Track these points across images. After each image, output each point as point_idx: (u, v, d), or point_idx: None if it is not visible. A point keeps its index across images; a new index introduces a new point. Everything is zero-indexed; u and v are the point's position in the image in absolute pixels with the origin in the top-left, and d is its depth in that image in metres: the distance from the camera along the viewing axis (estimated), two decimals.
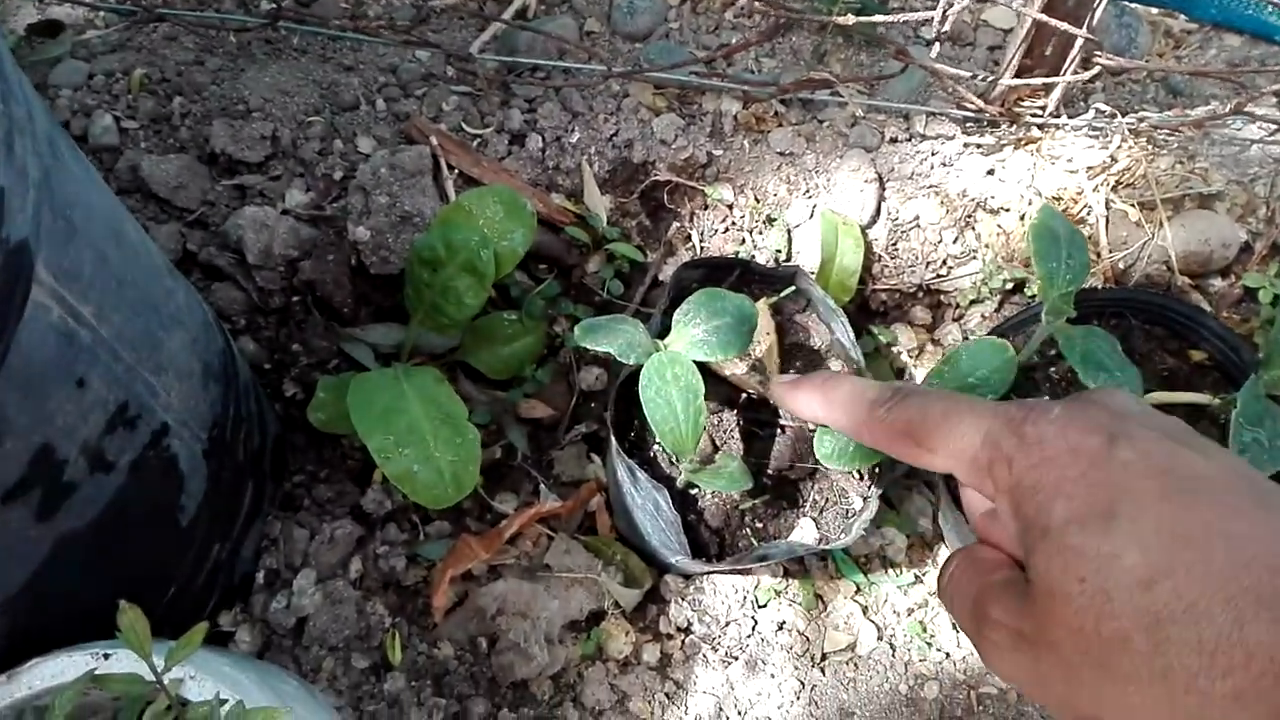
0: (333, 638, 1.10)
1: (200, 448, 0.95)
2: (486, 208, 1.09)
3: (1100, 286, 1.15)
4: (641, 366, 0.88)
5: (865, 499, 1.02)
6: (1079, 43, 1.13)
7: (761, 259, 1.23)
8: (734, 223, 1.25)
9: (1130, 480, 0.33)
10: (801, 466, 1.04)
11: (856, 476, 1.04)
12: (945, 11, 0.96)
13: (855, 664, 1.15)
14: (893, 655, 1.16)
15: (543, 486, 1.23)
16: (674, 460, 0.98)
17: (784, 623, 1.17)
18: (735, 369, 1.06)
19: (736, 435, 1.06)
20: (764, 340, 1.07)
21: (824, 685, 1.14)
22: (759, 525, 1.02)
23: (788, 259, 1.24)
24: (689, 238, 1.25)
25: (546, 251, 1.24)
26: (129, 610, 0.59)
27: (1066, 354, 0.85)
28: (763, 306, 1.08)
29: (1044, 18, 1.06)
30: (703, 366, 1.08)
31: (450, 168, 1.23)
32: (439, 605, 1.12)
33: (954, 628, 1.17)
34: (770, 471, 1.04)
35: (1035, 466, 0.36)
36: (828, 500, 1.03)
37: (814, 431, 1.06)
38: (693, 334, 0.90)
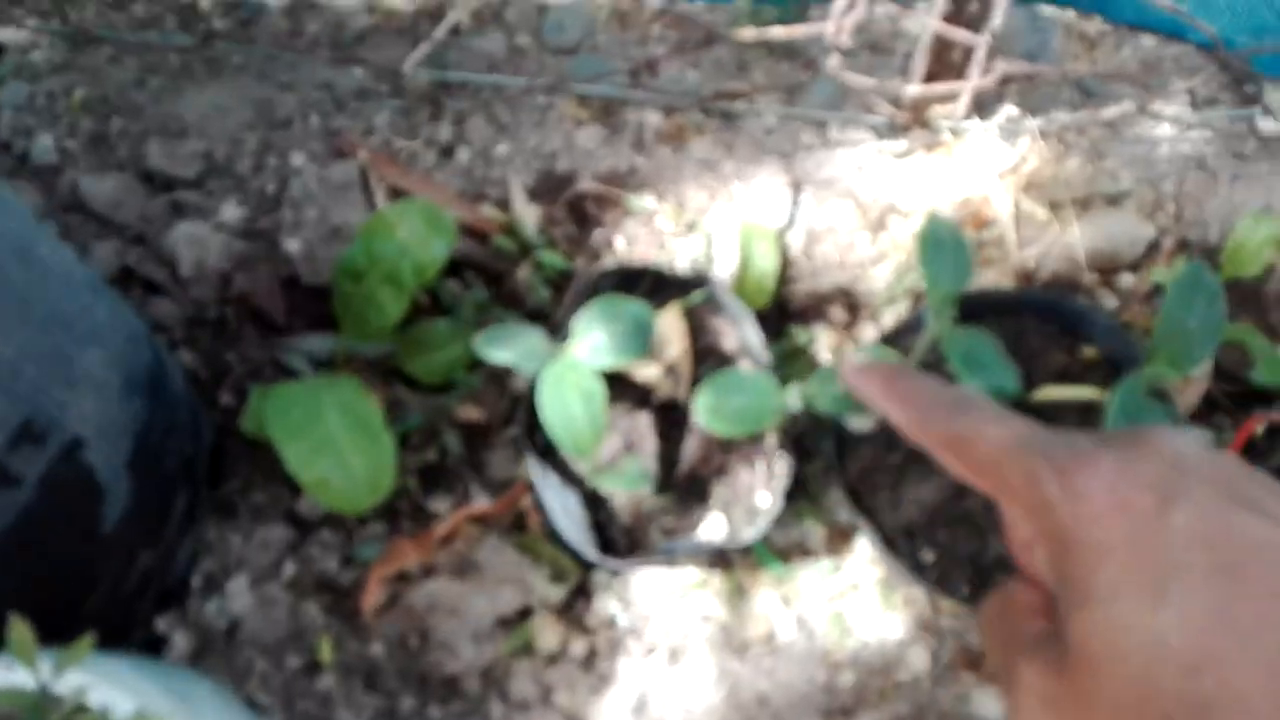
0: (265, 639, 1.14)
1: (122, 459, 0.99)
2: (407, 220, 1.13)
3: (996, 287, 1.18)
4: None
5: (772, 496, 1.05)
6: (982, 50, 1.17)
7: (684, 264, 1.27)
8: (657, 230, 1.29)
9: (1182, 551, 0.32)
10: (711, 464, 1.08)
11: (764, 474, 1.07)
12: (840, 23, 1.00)
13: (774, 653, 1.19)
14: (811, 644, 1.20)
15: (473, 488, 1.26)
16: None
17: (707, 614, 1.20)
18: (648, 373, 1.10)
19: (650, 437, 1.10)
20: (677, 344, 1.11)
21: (743, 674, 1.18)
22: (669, 523, 1.06)
23: (709, 264, 1.28)
24: (613, 245, 1.29)
25: (476, 260, 1.27)
26: (17, 624, 0.63)
27: (948, 354, 0.89)
28: (674, 311, 1.12)
29: (941, 26, 1.10)
30: (615, 371, 1.12)
31: (380, 181, 1.27)
32: (368, 606, 1.16)
33: (870, 616, 1.20)
34: (681, 471, 1.08)
35: (1079, 522, 0.34)
36: (736, 498, 1.07)
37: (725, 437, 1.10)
38: (591, 341, 0.94)
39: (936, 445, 0.43)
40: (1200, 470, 0.34)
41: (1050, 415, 0.94)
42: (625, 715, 1.15)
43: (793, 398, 0.95)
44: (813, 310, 1.32)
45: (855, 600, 1.22)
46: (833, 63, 1.08)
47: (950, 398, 0.44)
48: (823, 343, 1.32)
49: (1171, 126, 1.34)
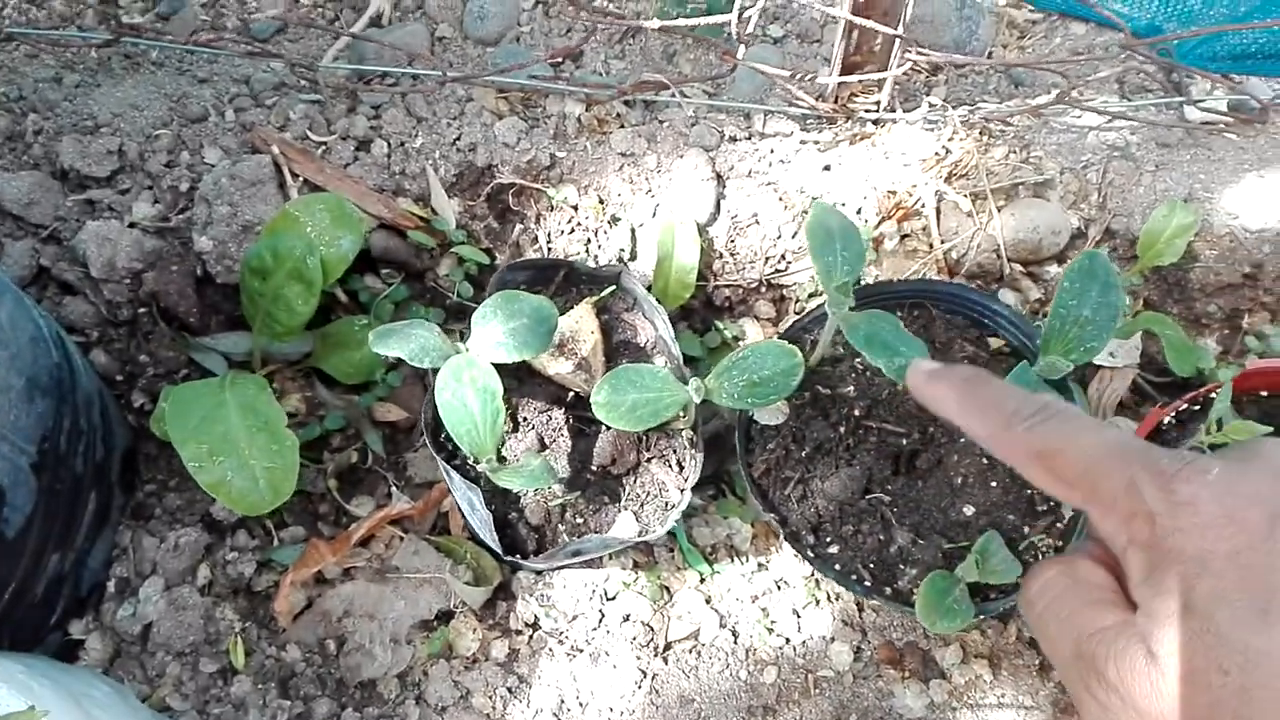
0: (178, 643, 1.12)
1: (27, 461, 0.97)
2: (314, 215, 1.11)
3: (902, 279, 1.17)
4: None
5: (683, 491, 1.04)
6: (897, 39, 1.16)
7: (606, 258, 1.26)
8: (579, 223, 1.27)
9: None
10: (625, 462, 1.06)
11: (676, 470, 1.06)
12: (742, 15, 0.98)
13: (698, 652, 1.18)
14: (734, 642, 1.18)
15: (394, 489, 1.25)
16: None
17: (630, 615, 1.19)
18: (560, 368, 1.08)
19: (565, 433, 1.09)
20: (588, 339, 1.10)
21: (665, 674, 1.16)
22: (579, 521, 1.04)
23: (632, 258, 1.26)
24: (536, 239, 1.27)
25: (393, 256, 1.25)
26: None
27: (850, 339, 0.87)
28: (586, 307, 1.10)
29: (852, 18, 1.09)
30: (527, 366, 1.10)
31: (295, 176, 1.24)
32: (282, 609, 1.14)
33: (795, 613, 1.19)
34: (594, 467, 1.07)
35: (1182, 532, 0.33)
36: (648, 494, 1.06)
37: (642, 435, 1.08)
38: (490, 336, 0.92)
39: (1023, 456, 0.40)
40: None
41: None
42: (545, 717, 1.13)
43: (695, 392, 0.93)
44: (739, 304, 1.31)
45: (780, 598, 1.21)
46: (741, 53, 1.06)
47: (1036, 405, 0.41)
48: (750, 336, 1.30)
49: (1099, 116, 1.33)
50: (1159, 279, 1.27)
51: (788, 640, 1.19)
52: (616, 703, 1.15)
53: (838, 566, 0.98)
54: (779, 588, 1.21)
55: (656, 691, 1.16)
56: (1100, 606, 0.37)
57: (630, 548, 1.23)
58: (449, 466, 0.97)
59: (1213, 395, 1.05)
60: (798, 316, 1.06)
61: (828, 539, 1.00)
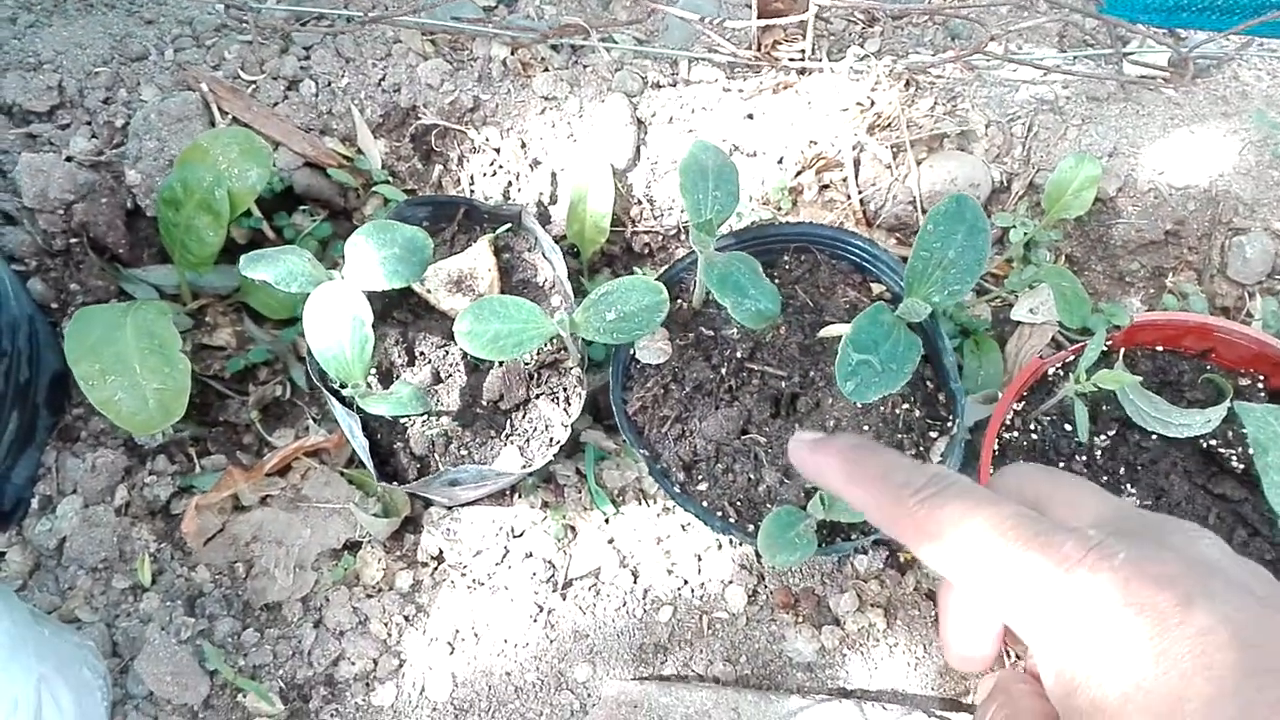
0: (90, 559, 1.17)
1: None
2: (223, 148, 1.13)
3: (786, 222, 1.16)
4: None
5: (566, 427, 1.05)
6: None
7: (526, 201, 1.27)
8: (502, 166, 1.28)
9: (1208, 655, 0.28)
10: (514, 397, 1.08)
11: (564, 406, 1.07)
12: None
13: (597, 590, 1.20)
14: (634, 582, 1.20)
15: (313, 422, 1.28)
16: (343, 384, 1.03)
17: (532, 552, 1.21)
18: (456, 304, 1.10)
19: (461, 369, 1.11)
20: (486, 276, 1.11)
21: (562, 609, 1.18)
22: (463, 453, 1.06)
23: (553, 202, 1.27)
24: (459, 181, 1.29)
25: (317, 194, 1.28)
26: None
27: (704, 277, 0.88)
28: (484, 244, 1.12)
29: None
30: (424, 302, 1.12)
31: (223, 113, 1.27)
32: (189, 531, 1.18)
33: (697, 556, 1.20)
34: (484, 402, 1.09)
35: (1091, 622, 0.30)
36: (534, 429, 1.07)
37: (534, 371, 1.10)
38: (362, 264, 0.94)
39: (914, 535, 0.36)
40: (1226, 571, 0.31)
41: (834, 351, 0.93)
42: (439, 645, 1.16)
43: (560, 325, 0.94)
44: (659, 250, 1.31)
45: (683, 540, 1.22)
46: None
47: (926, 477, 0.37)
48: None
49: (1034, 70, 1.30)
50: (1082, 234, 1.25)
51: (686, 582, 1.20)
52: (511, 634, 1.17)
53: (704, 504, 0.99)
54: (684, 530, 1.22)
55: (552, 626, 1.18)
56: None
57: (540, 486, 1.25)
58: (330, 393, 0.99)
59: (1103, 349, 1.03)
60: (679, 258, 1.06)
61: (699, 477, 1.01)
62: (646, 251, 1.31)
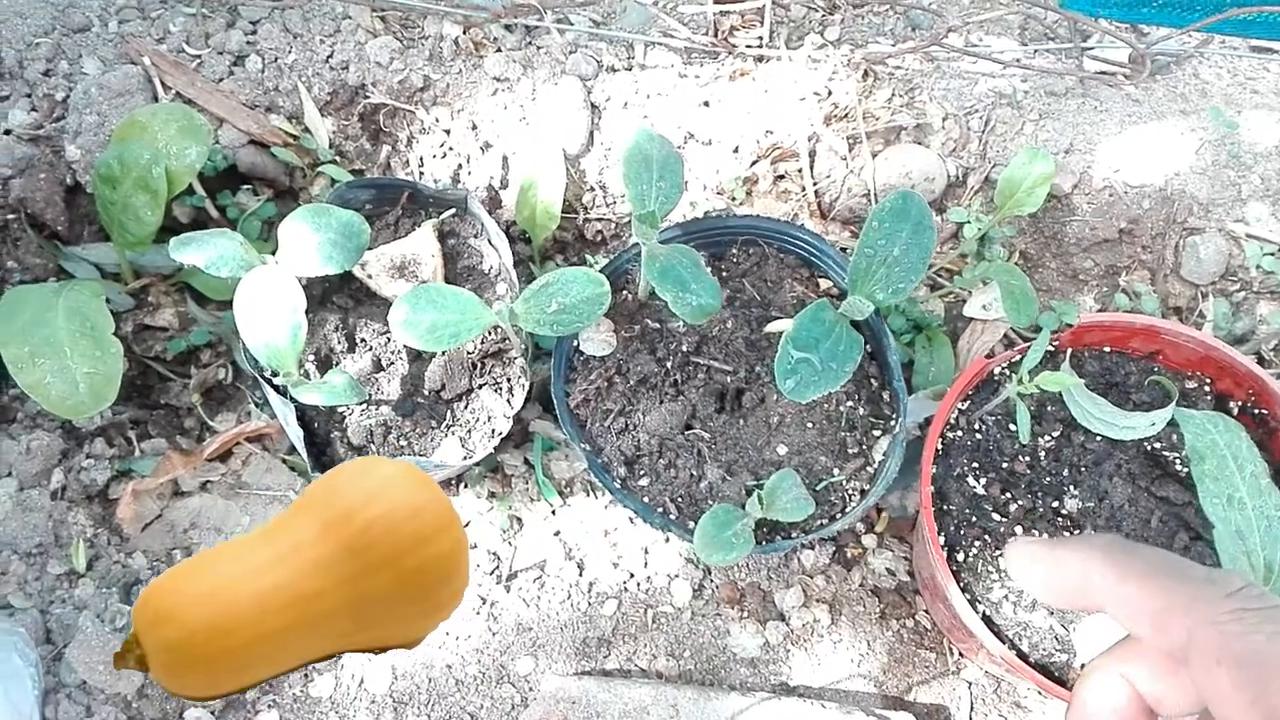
0: (24, 544, 1.14)
1: None
2: (161, 125, 1.10)
3: (736, 215, 1.14)
4: None
5: (508, 418, 1.04)
6: None
7: (476, 185, 1.24)
8: (451, 148, 1.26)
9: None
10: (457, 387, 1.06)
11: (506, 397, 1.06)
12: None
13: (542, 582, 1.18)
14: (579, 575, 1.19)
15: (255, 407, 1.25)
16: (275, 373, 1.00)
17: (477, 543, 1.20)
18: (399, 290, 1.08)
19: (403, 357, 1.08)
20: (429, 262, 1.09)
21: (506, 602, 1.17)
22: (403, 443, 1.04)
23: (503, 186, 1.25)
24: (407, 162, 1.26)
25: (261, 173, 1.25)
26: None
27: (646, 271, 0.87)
28: (427, 230, 1.10)
29: None
30: (366, 288, 1.10)
31: (166, 88, 1.24)
32: (125, 517, 1.16)
33: (644, 550, 1.19)
34: (426, 391, 1.07)
35: None
36: (477, 420, 1.06)
37: (478, 361, 1.08)
38: (296, 248, 0.92)
39: (1232, 674, 0.29)
40: None
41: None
42: None
43: (498, 315, 0.92)
44: (612, 238, 1.29)
45: (631, 533, 1.21)
46: None
47: (1240, 583, 0.31)
48: None
49: (993, 64, 1.29)
50: (1036, 231, 1.24)
51: (632, 575, 1.19)
52: (453, 627, 1.16)
53: (645, 500, 0.98)
54: (631, 523, 1.21)
55: (495, 618, 1.17)
56: None
57: (487, 476, 1.23)
58: (264, 380, 0.97)
59: (1049, 348, 1.03)
60: (626, 249, 1.04)
61: (641, 472, 1.00)
62: (599, 239, 1.29)
